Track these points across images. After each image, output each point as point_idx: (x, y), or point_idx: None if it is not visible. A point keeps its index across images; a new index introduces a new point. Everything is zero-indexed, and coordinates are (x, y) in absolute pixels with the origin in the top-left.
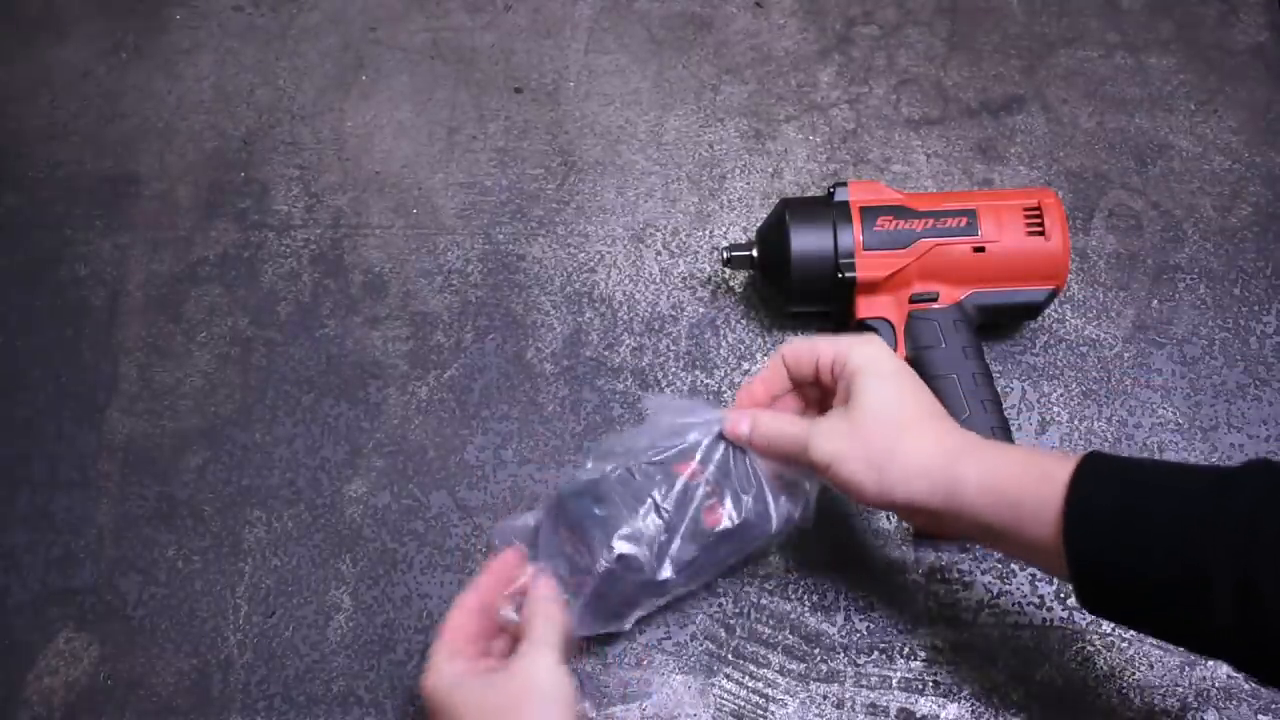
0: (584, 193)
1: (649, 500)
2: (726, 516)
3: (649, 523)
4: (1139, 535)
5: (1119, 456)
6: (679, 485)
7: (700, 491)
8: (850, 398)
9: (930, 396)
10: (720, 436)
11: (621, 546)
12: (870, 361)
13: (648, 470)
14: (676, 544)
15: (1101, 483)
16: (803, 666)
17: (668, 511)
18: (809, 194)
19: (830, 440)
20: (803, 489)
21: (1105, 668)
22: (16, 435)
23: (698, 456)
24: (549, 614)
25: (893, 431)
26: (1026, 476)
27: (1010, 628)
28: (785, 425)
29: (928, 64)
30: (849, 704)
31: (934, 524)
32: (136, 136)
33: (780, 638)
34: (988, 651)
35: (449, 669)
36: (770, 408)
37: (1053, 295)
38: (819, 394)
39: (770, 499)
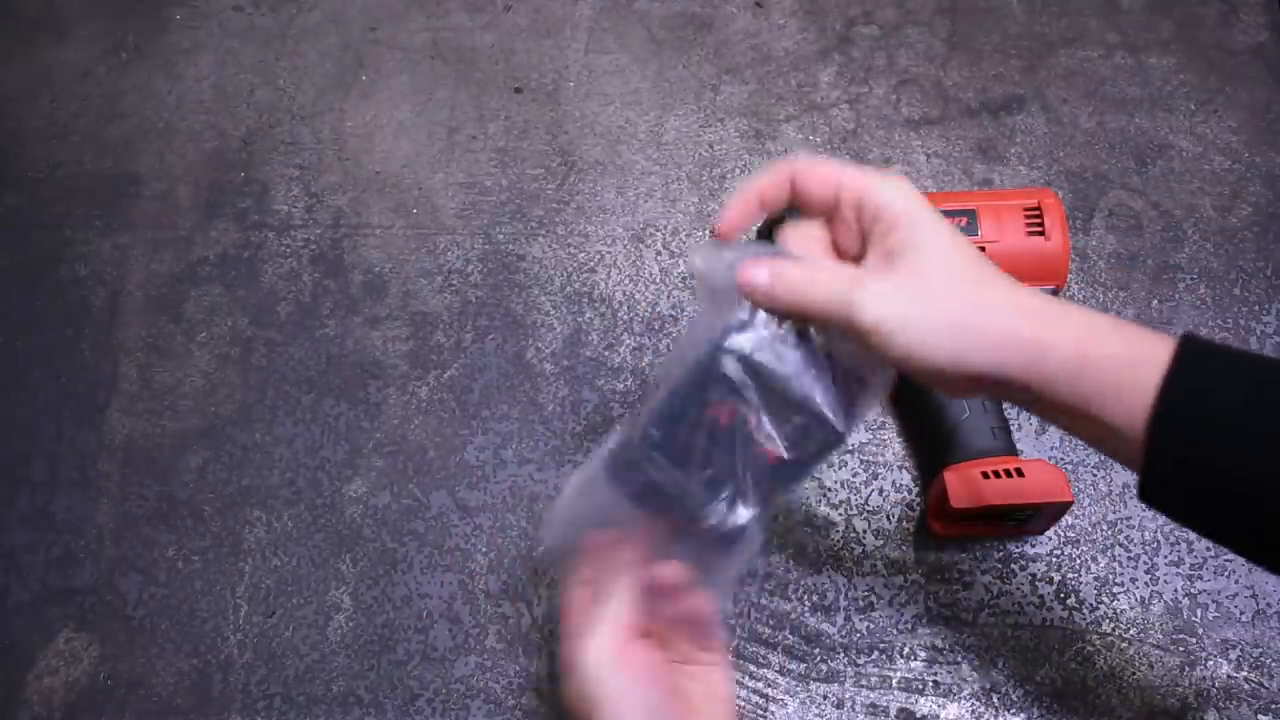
0: (584, 193)
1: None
2: (781, 447)
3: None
4: (1250, 440)
5: (1219, 345)
6: (722, 439)
7: (745, 432)
8: (901, 249)
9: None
10: (740, 352)
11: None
12: (917, 206)
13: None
14: (747, 493)
15: (1205, 371)
16: (803, 666)
17: (726, 470)
18: None
19: (887, 301)
20: (866, 373)
21: (1105, 668)
22: (16, 435)
23: (726, 382)
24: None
25: (970, 289)
26: (1119, 351)
27: (1010, 628)
28: (820, 276)
29: (928, 64)
30: (849, 704)
31: (977, 392)
32: (136, 136)
33: (780, 638)
34: (988, 651)
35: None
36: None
37: (1053, 295)
38: (827, 233)
39: (824, 403)
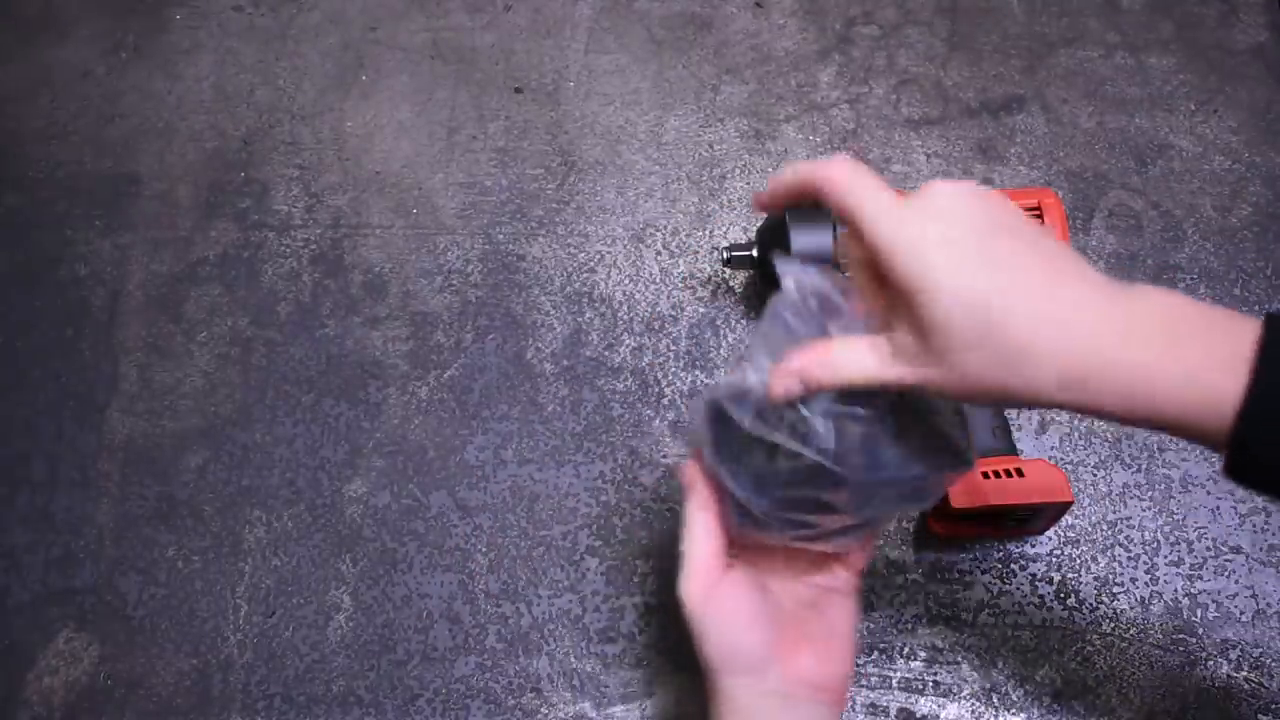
0: (584, 193)
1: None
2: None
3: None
4: None
5: None
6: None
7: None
8: (925, 330)
9: (1032, 242)
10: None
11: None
12: (925, 265)
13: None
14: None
15: None
16: None
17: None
18: None
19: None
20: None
21: (1105, 668)
22: (16, 435)
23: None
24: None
25: (993, 350)
26: (1196, 360)
27: (1010, 628)
28: (846, 357)
29: (928, 64)
30: (849, 704)
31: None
32: (136, 136)
33: None
34: (988, 651)
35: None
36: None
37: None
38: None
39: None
